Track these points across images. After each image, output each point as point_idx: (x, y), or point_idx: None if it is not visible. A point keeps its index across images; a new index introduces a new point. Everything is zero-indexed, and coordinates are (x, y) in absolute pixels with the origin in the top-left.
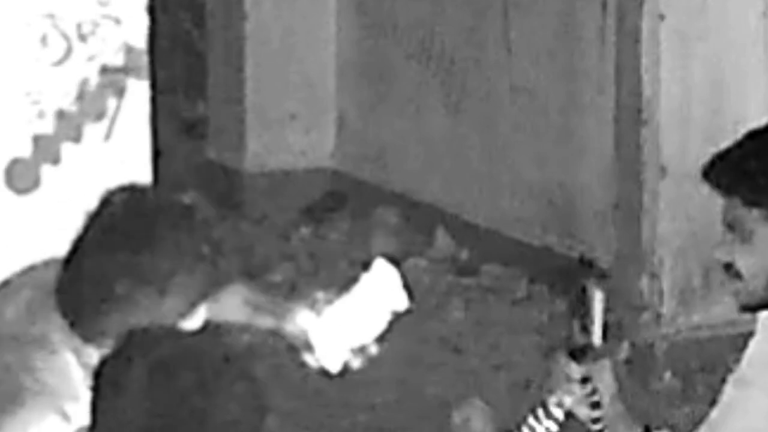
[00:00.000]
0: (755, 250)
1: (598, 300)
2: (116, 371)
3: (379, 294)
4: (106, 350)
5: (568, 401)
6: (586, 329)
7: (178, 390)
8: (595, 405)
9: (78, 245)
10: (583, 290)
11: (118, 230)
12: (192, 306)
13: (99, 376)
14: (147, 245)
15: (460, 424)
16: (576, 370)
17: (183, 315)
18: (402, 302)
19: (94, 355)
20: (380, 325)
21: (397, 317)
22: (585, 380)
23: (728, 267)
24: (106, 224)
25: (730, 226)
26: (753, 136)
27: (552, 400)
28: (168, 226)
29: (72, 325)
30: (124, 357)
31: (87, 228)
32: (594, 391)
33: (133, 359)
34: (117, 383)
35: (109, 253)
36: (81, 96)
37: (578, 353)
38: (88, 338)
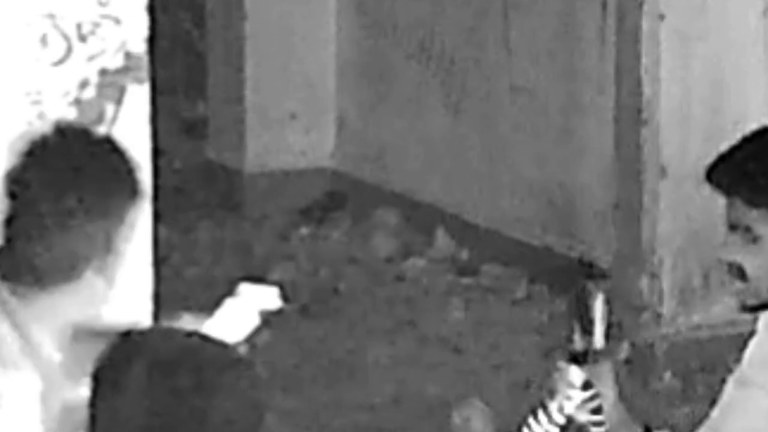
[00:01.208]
0: (758, 250)
1: (599, 302)
2: (115, 371)
3: (246, 308)
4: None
5: (568, 406)
6: (586, 331)
7: (177, 389)
8: (596, 410)
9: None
10: (583, 291)
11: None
12: (110, 243)
13: (98, 375)
14: (70, 187)
15: (460, 424)
16: (577, 374)
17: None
18: (275, 303)
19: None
20: (250, 326)
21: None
22: (586, 385)
23: (731, 267)
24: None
25: (733, 226)
26: (755, 136)
27: (553, 405)
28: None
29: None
30: (124, 357)
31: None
32: (595, 396)
33: (132, 359)
34: (116, 383)
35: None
36: (81, 96)
37: (579, 357)
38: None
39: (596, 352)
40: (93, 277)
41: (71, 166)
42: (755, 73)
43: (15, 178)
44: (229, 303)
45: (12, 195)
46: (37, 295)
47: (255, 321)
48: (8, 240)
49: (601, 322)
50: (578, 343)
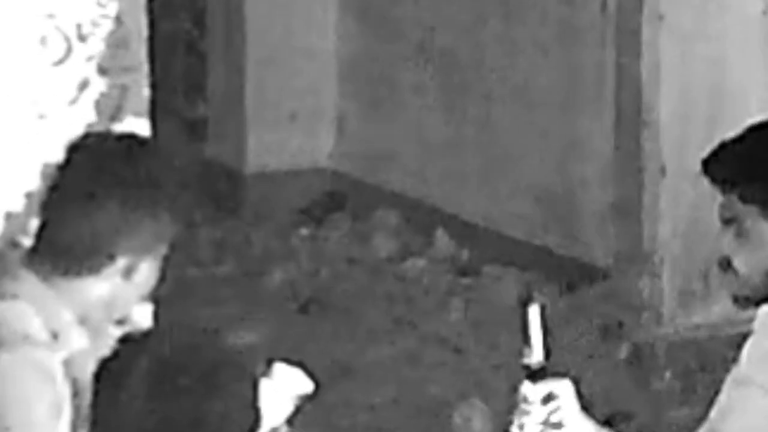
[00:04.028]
0: (749, 246)
1: (534, 316)
2: (117, 371)
3: (283, 390)
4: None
5: (528, 422)
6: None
7: (178, 389)
8: (557, 425)
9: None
10: (527, 303)
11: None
12: (144, 250)
13: (100, 375)
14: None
15: (460, 424)
16: (533, 389)
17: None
18: (308, 387)
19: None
20: (287, 410)
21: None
22: (547, 399)
23: (723, 261)
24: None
25: (727, 221)
26: (754, 130)
27: (514, 422)
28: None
29: (46, 272)
30: (126, 356)
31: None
32: (556, 410)
33: (133, 359)
34: (118, 382)
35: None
36: (81, 96)
37: (536, 373)
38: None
39: (546, 370)
40: (116, 275)
41: (118, 168)
42: (755, 73)
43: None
44: (265, 385)
45: (55, 185)
46: (60, 282)
47: (290, 406)
48: (41, 225)
49: (536, 333)
50: (529, 358)
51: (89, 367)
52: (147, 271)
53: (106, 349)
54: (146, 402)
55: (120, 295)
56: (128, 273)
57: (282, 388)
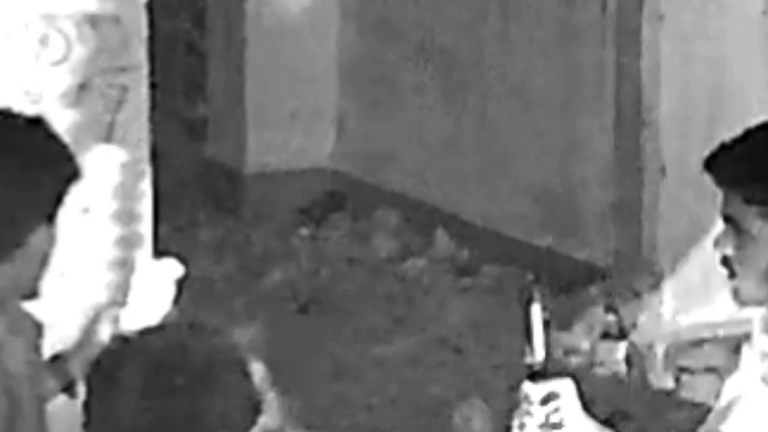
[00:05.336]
0: (749, 246)
1: (536, 315)
2: (111, 370)
3: (159, 280)
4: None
5: (530, 423)
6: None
7: (172, 388)
8: (557, 425)
9: None
10: (528, 303)
11: None
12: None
13: (94, 374)
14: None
15: (460, 424)
16: (534, 389)
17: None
18: (179, 270)
19: None
20: (171, 295)
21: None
22: (546, 399)
23: (724, 261)
24: None
25: (727, 219)
26: (756, 131)
27: (514, 423)
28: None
29: None
30: (119, 354)
31: None
32: (557, 410)
33: (127, 356)
34: (112, 381)
35: None
36: (81, 96)
37: (537, 373)
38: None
39: (547, 370)
40: (21, 253)
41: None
42: (755, 73)
43: None
44: (135, 284)
45: None
46: None
47: (171, 290)
48: None
49: (538, 332)
50: (530, 357)
51: (18, 357)
52: (48, 241)
53: (25, 340)
54: (141, 400)
55: (23, 270)
56: (32, 247)
57: (157, 279)
